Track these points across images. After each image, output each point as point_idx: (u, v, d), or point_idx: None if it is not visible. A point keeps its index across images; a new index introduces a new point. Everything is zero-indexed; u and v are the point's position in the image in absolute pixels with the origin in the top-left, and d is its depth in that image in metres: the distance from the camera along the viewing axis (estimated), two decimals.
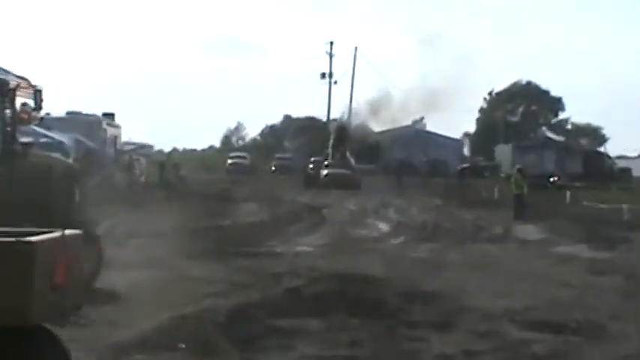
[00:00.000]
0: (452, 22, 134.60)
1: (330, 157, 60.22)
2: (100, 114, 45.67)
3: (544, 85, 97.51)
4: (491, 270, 15.87)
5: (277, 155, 75.53)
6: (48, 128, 32.52)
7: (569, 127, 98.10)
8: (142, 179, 37.23)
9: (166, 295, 12.02)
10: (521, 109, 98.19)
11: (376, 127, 74.62)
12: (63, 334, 5.35)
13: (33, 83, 12.53)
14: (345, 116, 72.35)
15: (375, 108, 69.56)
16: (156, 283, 12.91)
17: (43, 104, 12.75)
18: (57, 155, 16.30)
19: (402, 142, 71.93)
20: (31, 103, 12.62)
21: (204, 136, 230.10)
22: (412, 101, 69.78)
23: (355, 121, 69.40)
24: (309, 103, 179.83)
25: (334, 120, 72.33)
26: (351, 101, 74.62)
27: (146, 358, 8.49)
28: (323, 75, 77.85)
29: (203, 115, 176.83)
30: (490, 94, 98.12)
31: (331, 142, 60.53)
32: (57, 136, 34.51)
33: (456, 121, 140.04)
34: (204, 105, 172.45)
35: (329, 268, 15.08)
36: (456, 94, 72.61)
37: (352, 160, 58.63)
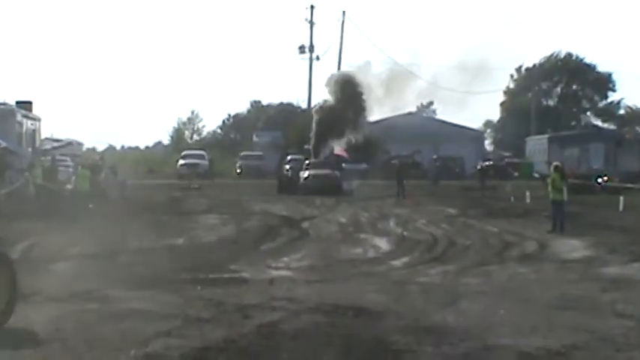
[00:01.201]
0: None
1: (312, 153, 60.13)
2: (12, 103, 45.47)
3: (589, 59, 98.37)
4: (523, 298, 15.87)
5: (243, 153, 75.41)
6: None
7: (621, 112, 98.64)
8: (69, 186, 37.02)
9: (100, 336, 11.95)
10: (559, 90, 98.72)
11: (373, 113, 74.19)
12: None
13: None
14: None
15: (389, 87, 68.07)
16: (86, 321, 12.84)
17: None
18: None
19: (404, 134, 71.82)
20: None
21: (149, 131, 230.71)
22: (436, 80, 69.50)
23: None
24: (284, 86, 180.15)
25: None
26: None
27: None
28: (302, 48, 77.98)
29: (147, 104, 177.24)
30: (519, 70, 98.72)
31: (314, 124, 60.01)
32: None
33: (475, 106, 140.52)
34: (147, 90, 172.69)
35: (313, 299, 15.05)
36: (478, 70, 72.11)
37: (345, 156, 58.42)
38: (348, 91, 60.85)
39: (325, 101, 63.46)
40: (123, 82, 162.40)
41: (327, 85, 63.28)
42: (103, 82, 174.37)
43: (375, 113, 67.67)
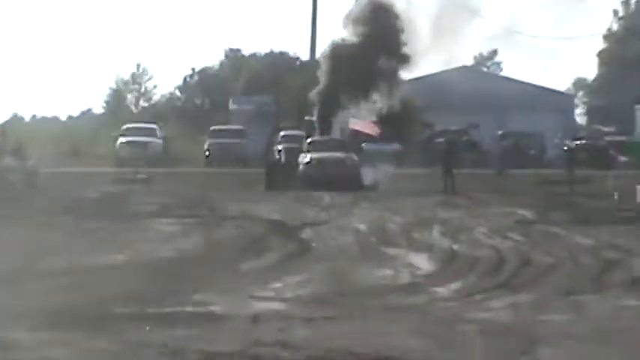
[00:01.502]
0: None
1: (316, 127, 60.05)
2: None
3: None
4: (631, 343, 15.87)
5: (215, 128, 75.41)
6: None
7: None
8: None
9: None
10: None
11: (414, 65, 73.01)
12: None
13: None
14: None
15: (439, 27, 65.05)
16: None
17: None
18: None
19: (454, 100, 71.60)
20: None
21: (74, 94, 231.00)
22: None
23: None
24: (275, 29, 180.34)
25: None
26: None
27: None
28: None
29: (70, 55, 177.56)
30: (626, 3, 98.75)
31: (323, 78, 59.31)
32: None
33: (560, 57, 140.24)
34: (71, 36, 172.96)
35: (317, 344, 15.06)
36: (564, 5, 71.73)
37: (368, 132, 58.26)
38: (381, 24, 59.44)
39: (343, 40, 61.76)
40: (35, 23, 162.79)
41: (346, 23, 61.55)
42: (5, 25, 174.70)
43: (418, 66, 64.96)
